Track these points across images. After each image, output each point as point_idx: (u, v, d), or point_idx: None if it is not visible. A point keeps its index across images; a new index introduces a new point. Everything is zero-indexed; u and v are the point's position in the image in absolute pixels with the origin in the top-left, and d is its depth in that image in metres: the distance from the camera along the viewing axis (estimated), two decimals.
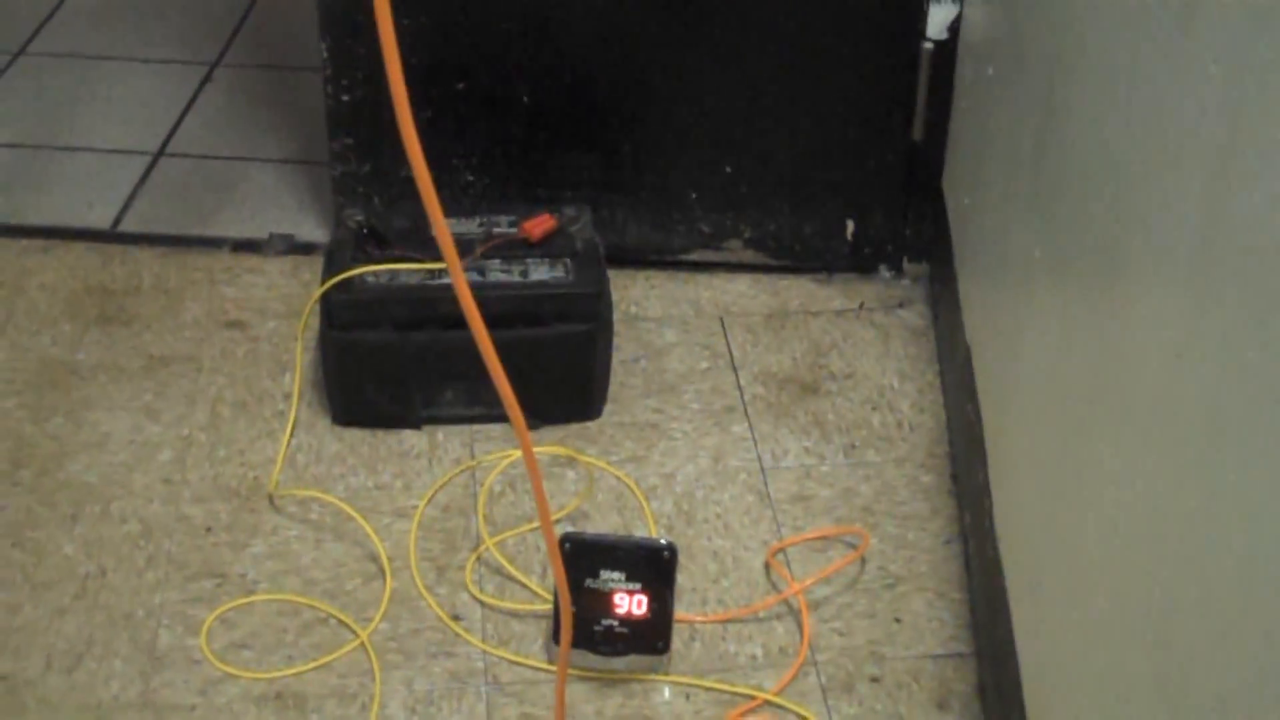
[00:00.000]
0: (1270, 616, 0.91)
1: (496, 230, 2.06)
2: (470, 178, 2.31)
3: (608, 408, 2.07)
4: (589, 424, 2.05)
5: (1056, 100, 1.59)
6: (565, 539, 1.68)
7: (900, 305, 2.29)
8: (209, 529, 1.87)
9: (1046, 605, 1.50)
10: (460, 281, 1.09)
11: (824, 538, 1.88)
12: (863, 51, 2.22)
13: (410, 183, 2.36)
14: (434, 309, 1.97)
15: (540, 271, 2.01)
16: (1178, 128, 1.17)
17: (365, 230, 2.04)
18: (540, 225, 2.05)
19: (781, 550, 1.86)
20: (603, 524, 1.89)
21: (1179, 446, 1.11)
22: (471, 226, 2.07)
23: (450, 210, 2.11)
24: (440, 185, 2.30)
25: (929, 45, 2.22)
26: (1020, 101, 1.78)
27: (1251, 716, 0.92)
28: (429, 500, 1.91)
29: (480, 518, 1.89)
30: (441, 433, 2.02)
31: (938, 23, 2.21)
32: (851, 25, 2.20)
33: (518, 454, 1.97)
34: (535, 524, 1.88)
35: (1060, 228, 1.55)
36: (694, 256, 2.35)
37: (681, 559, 1.80)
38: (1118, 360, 1.31)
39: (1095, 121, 1.44)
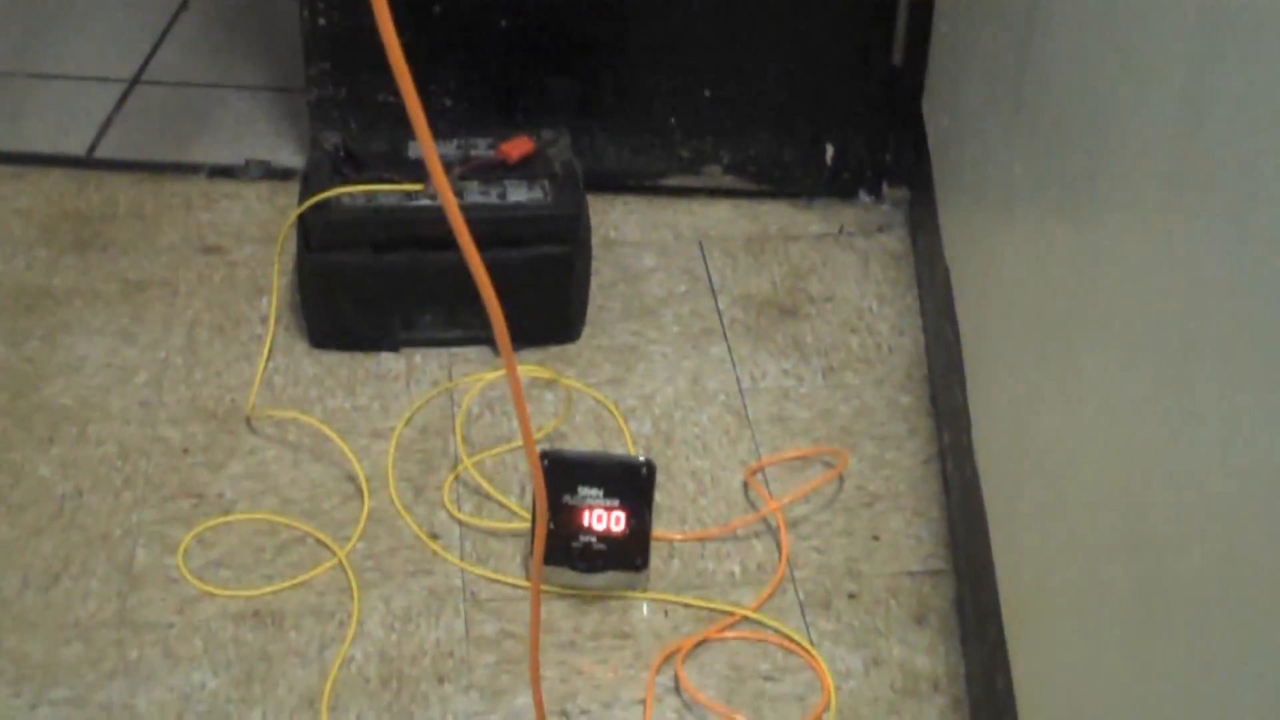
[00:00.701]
0: (1244, 518, 0.91)
1: (474, 153, 2.05)
2: (448, 103, 2.29)
3: (586, 331, 2.07)
4: (567, 346, 2.04)
5: (1037, 17, 1.58)
6: (544, 456, 1.67)
7: (880, 229, 2.28)
8: (186, 450, 1.87)
9: (1024, 520, 1.51)
10: (448, 196, 1.08)
11: (802, 457, 1.88)
12: None
13: (387, 107, 2.35)
14: (412, 230, 1.96)
15: (518, 193, 2.00)
16: (1156, 41, 1.16)
17: (342, 153, 2.03)
18: (518, 147, 2.04)
19: (760, 470, 1.86)
20: (581, 445, 1.89)
21: (1154, 360, 1.11)
22: (449, 149, 2.05)
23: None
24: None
25: None
26: (1001, 21, 1.77)
27: (1229, 618, 0.93)
28: (407, 421, 1.91)
29: (458, 438, 1.88)
30: (419, 355, 2.01)
31: None
32: None
33: (495, 375, 1.97)
34: (513, 443, 1.88)
35: (1040, 144, 1.54)
36: (673, 182, 2.34)
37: (660, 478, 1.80)
38: (1094, 276, 1.30)
39: (1075, 37, 1.43)
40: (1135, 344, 1.17)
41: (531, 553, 1.68)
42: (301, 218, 1.97)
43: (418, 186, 1.97)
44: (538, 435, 1.89)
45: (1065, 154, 1.43)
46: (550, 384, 1.98)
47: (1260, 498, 0.89)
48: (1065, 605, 1.33)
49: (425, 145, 1.01)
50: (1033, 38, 1.60)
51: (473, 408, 1.93)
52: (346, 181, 1.98)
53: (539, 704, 1.40)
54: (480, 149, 2.05)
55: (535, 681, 1.39)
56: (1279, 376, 0.87)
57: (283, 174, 2.36)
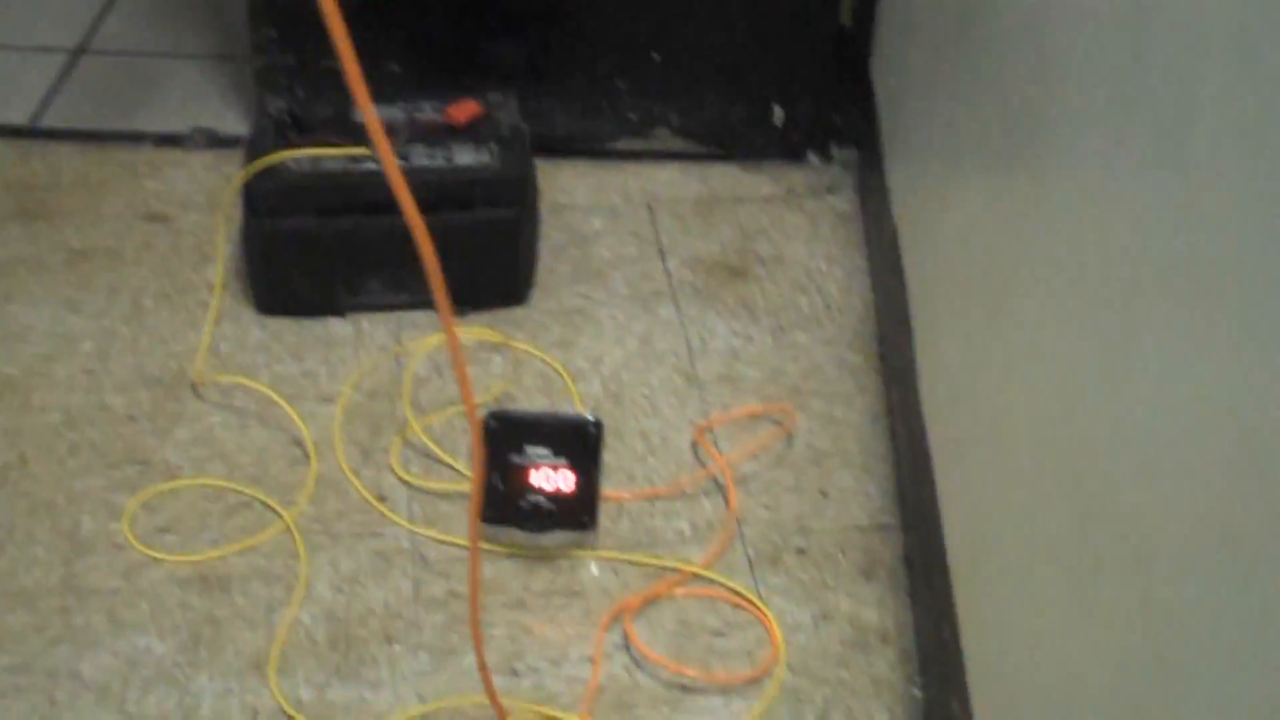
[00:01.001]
0: (1177, 464, 0.91)
1: (421, 116, 2.03)
2: (396, 68, 2.28)
3: (535, 294, 2.06)
4: (516, 310, 2.03)
5: None
6: (490, 416, 1.67)
7: (829, 191, 2.28)
8: (132, 417, 1.85)
9: (969, 473, 1.51)
10: (388, 157, 1.07)
11: (751, 416, 1.87)
12: None
13: (333, 73, 2.32)
14: (358, 194, 1.95)
15: (465, 156, 1.99)
16: None
17: (287, 117, 2.01)
18: (465, 110, 2.03)
19: (709, 429, 1.85)
20: (530, 407, 1.88)
21: (1093, 312, 1.11)
22: (396, 113, 2.04)
23: (375, 98, 2.08)
24: (367, 76, 2.27)
25: None
26: None
27: (1164, 561, 0.93)
28: (354, 386, 1.90)
29: (405, 401, 1.87)
30: (367, 320, 2.00)
31: None
32: None
33: (442, 338, 1.96)
34: (460, 406, 1.87)
35: (984, 101, 1.54)
36: (622, 145, 2.33)
37: (609, 439, 1.80)
38: (1037, 229, 1.30)
39: None
40: (1074, 297, 1.17)
41: (480, 514, 1.67)
42: (247, 183, 1.95)
43: (363, 151, 1.96)
44: (485, 398, 1.88)
45: (1009, 109, 1.43)
46: (499, 347, 1.97)
47: (1193, 446, 0.89)
48: (1009, 555, 1.33)
49: (364, 107, 1.00)
50: None
51: (420, 371, 1.92)
52: (292, 147, 1.97)
53: (482, 664, 1.39)
54: (427, 112, 2.04)
55: (478, 641, 1.39)
56: (1214, 328, 0.87)
57: (229, 142, 2.35)
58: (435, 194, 1.96)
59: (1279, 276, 0.78)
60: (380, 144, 1.05)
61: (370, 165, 1.94)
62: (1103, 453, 1.08)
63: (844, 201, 2.26)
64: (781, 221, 2.21)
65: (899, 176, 2.02)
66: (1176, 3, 0.97)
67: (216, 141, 2.35)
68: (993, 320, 1.45)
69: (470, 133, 2.02)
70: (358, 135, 1.98)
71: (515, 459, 1.66)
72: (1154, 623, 0.94)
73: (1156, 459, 0.97)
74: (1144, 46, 1.03)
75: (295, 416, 1.84)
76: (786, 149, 2.33)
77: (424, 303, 1.99)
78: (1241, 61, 0.86)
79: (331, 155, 1.96)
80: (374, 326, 2.00)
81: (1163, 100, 0.99)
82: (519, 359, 1.95)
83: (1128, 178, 1.06)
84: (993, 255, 1.47)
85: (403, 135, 1.98)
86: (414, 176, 1.95)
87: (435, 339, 1.96)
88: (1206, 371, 0.88)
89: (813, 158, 2.33)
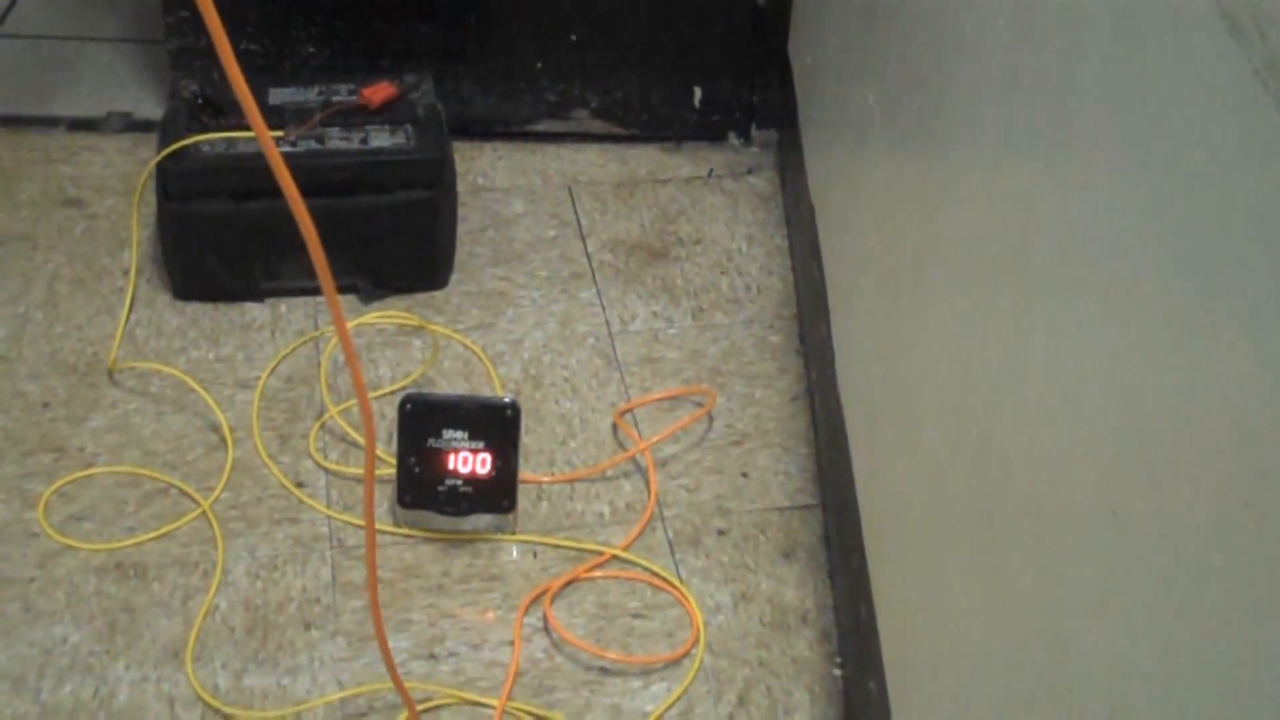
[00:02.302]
0: (1072, 434, 0.92)
1: (335, 98, 2.02)
2: (311, 49, 2.26)
3: (455, 277, 2.05)
4: (435, 293, 2.02)
5: None
6: (407, 400, 1.66)
7: (749, 171, 2.28)
8: (46, 405, 1.83)
9: (882, 451, 1.52)
10: (265, 136, 1.06)
11: (671, 398, 1.88)
12: None
13: (248, 54, 2.30)
14: (272, 177, 1.92)
15: (380, 138, 1.98)
16: None
17: (200, 100, 1.99)
18: (380, 92, 2.02)
19: (629, 411, 1.85)
20: (449, 390, 1.87)
21: (991, 288, 1.12)
22: (310, 95, 2.03)
23: (289, 80, 2.07)
24: (281, 58, 2.26)
25: None
26: None
27: (1062, 530, 0.94)
28: (272, 371, 1.89)
29: (323, 386, 1.86)
30: (285, 304, 1.99)
31: None
32: None
33: (360, 321, 1.95)
34: (379, 390, 1.86)
35: (891, 75, 1.55)
36: (541, 127, 2.32)
37: (529, 422, 1.80)
38: (938, 204, 1.31)
39: None
40: (972, 275, 1.18)
41: (398, 499, 1.67)
42: (159, 166, 1.94)
43: (277, 133, 1.94)
44: (405, 381, 1.87)
45: (913, 83, 1.43)
46: (418, 330, 1.96)
47: (1082, 425, 0.90)
48: (919, 534, 1.34)
49: (236, 83, 0.98)
50: None
51: (338, 355, 1.91)
52: (205, 129, 1.95)
53: (386, 652, 1.39)
54: (342, 95, 2.03)
55: (379, 631, 1.38)
56: (1099, 306, 0.88)
57: (145, 126, 2.32)
58: (351, 176, 1.95)
59: (1158, 255, 0.79)
60: (259, 129, 1.04)
61: (284, 148, 1.93)
62: (1000, 431, 1.08)
63: (764, 181, 2.26)
64: (702, 202, 2.21)
65: (816, 156, 2.02)
66: None
67: (133, 125, 2.33)
68: (901, 299, 1.46)
69: (386, 114, 2.00)
70: (272, 117, 1.97)
71: (432, 443, 1.65)
72: (1048, 599, 0.95)
73: (1048, 437, 0.97)
74: (1031, 19, 1.04)
75: (212, 402, 1.83)
76: (706, 130, 2.33)
77: (342, 287, 1.98)
78: (1119, 39, 0.86)
79: (245, 137, 1.94)
80: (291, 310, 1.98)
81: (1049, 74, 0.99)
82: (438, 342, 1.94)
83: (1017, 153, 1.07)
84: (900, 233, 1.47)
85: (317, 118, 1.97)
86: (329, 159, 1.95)
87: (353, 323, 1.95)
88: (1092, 349, 0.89)
89: (733, 138, 2.34)
